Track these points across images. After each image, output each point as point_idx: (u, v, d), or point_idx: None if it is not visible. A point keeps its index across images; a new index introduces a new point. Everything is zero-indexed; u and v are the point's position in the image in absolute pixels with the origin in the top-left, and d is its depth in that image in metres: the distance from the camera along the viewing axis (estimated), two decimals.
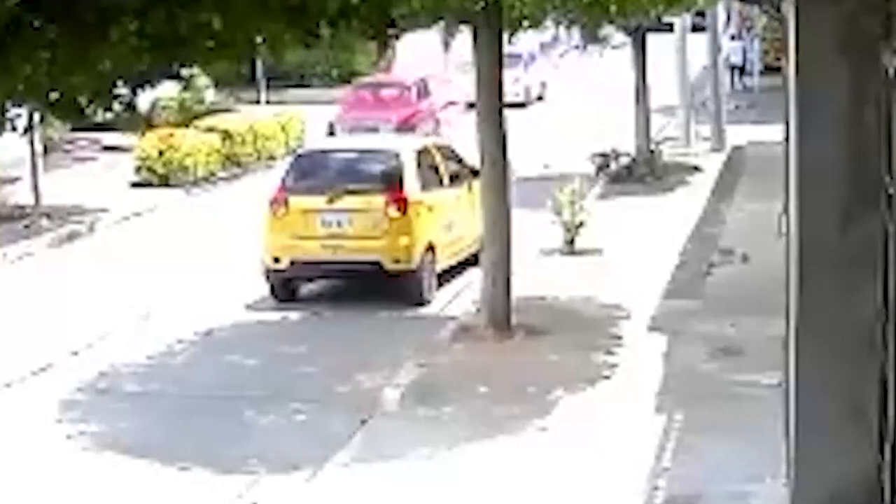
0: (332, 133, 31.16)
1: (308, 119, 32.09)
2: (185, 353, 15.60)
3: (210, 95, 34.12)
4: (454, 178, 18.64)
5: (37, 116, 9.10)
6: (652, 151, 26.50)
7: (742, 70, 39.88)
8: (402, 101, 33.17)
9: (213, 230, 22.90)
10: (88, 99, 7.33)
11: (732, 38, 40.31)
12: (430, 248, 17.44)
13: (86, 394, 14.12)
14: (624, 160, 26.13)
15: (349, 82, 36.52)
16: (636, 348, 14.73)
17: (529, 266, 18.02)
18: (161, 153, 27.30)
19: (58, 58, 6.65)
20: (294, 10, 7.27)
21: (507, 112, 15.69)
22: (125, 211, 24.84)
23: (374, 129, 30.34)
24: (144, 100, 8.76)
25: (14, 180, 25.06)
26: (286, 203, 17.50)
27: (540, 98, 41.54)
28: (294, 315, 17.08)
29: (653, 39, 26.42)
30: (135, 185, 27.34)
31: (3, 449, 12.57)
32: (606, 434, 12.03)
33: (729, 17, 41.61)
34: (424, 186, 17.74)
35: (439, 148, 19.08)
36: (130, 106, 7.68)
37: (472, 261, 17.63)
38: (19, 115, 7.50)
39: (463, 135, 21.87)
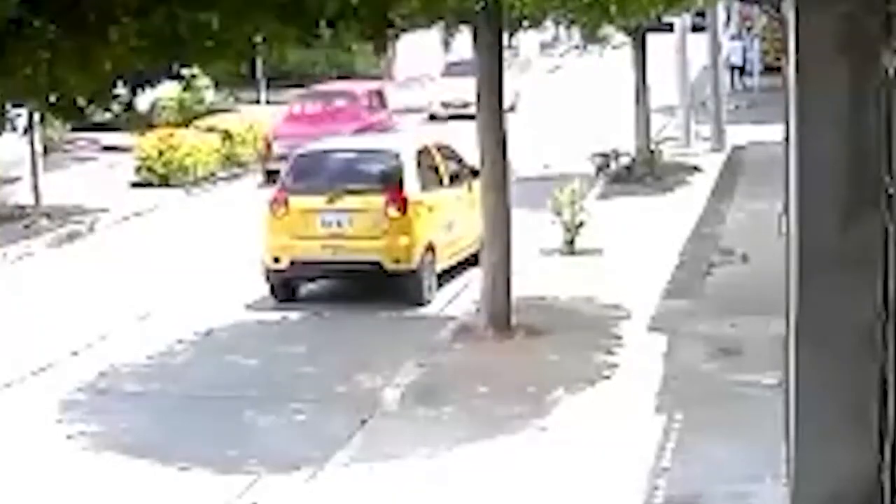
0: (268, 149, 27.86)
1: None
2: (185, 353, 15.60)
3: (210, 95, 34.13)
4: (454, 178, 18.64)
5: (37, 116, 9.12)
6: (652, 151, 26.51)
7: (742, 70, 39.90)
8: (350, 114, 29.58)
9: (213, 230, 22.92)
10: (88, 99, 7.33)
11: (732, 38, 40.32)
12: (430, 248, 17.44)
13: (86, 394, 14.12)
14: (624, 160, 26.14)
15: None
16: (636, 348, 14.73)
17: (529, 266, 18.02)
18: (161, 153, 27.32)
19: (58, 58, 6.65)
20: (292, 9, 7.27)
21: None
22: (125, 211, 24.86)
23: None
24: (144, 100, 8.75)
25: (14, 180, 25.07)
26: (286, 203, 17.50)
27: (512, 109, 35.79)
28: (294, 315, 17.07)
29: (653, 39, 26.42)
30: (135, 185, 27.37)
31: (3, 449, 12.57)
32: (606, 434, 12.02)
33: (729, 17, 41.63)
34: (424, 186, 17.75)
35: (439, 148, 19.08)
36: (130, 106, 7.69)
37: (472, 261, 17.62)
38: (19, 115, 7.50)
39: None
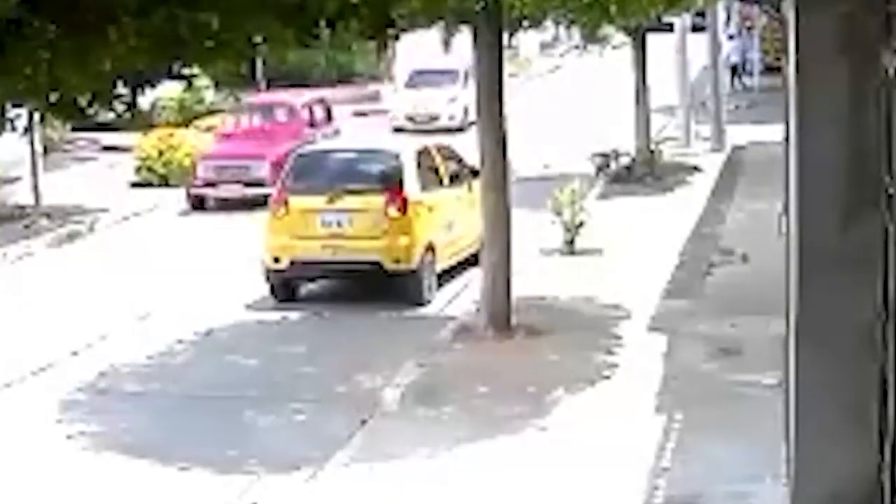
0: (194, 171, 25.38)
1: None
2: (185, 353, 15.60)
3: (210, 95, 34.14)
4: (454, 178, 18.65)
5: (37, 116, 9.11)
6: (652, 151, 26.50)
7: (742, 70, 39.88)
8: (289, 131, 26.55)
9: (213, 230, 22.92)
10: (88, 99, 7.32)
11: (732, 38, 40.30)
12: (430, 248, 17.45)
13: (86, 394, 14.13)
14: (624, 160, 26.13)
15: (351, 82, 36.20)
16: (636, 348, 14.73)
17: (529, 266, 18.01)
18: (161, 153, 27.34)
19: (58, 58, 6.65)
20: (292, 9, 7.27)
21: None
22: (125, 211, 24.86)
23: (245, 169, 24.73)
24: (144, 100, 8.74)
25: (14, 180, 25.08)
26: (286, 203, 17.50)
27: (461, 129, 31.39)
28: (294, 315, 17.07)
29: (653, 39, 26.42)
30: (135, 185, 27.37)
31: (3, 449, 12.58)
32: (606, 434, 12.02)
33: (729, 17, 41.59)
34: (424, 186, 17.75)
35: (439, 148, 19.09)
36: (130, 106, 7.68)
37: (472, 261, 17.62)
38: (19, 115, 7.49)
39: None
